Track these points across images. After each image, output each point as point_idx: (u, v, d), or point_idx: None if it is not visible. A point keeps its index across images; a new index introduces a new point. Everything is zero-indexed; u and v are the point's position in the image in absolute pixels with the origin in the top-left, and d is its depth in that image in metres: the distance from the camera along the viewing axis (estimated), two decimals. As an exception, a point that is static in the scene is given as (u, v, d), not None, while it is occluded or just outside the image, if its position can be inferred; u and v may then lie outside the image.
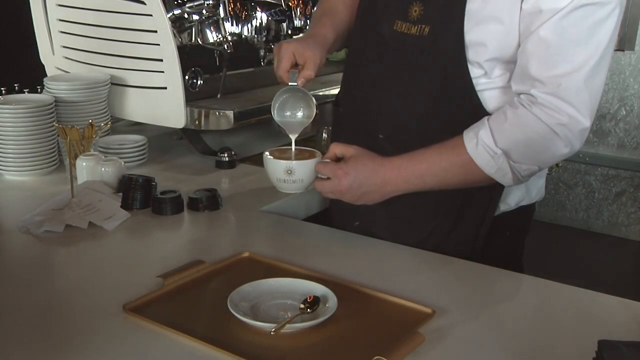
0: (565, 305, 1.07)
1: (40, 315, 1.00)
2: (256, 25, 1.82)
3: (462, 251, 1.24)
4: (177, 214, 1.40)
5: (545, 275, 1.14)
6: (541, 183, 1.36)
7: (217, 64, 1.84)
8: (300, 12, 1.91)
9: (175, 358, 0.89)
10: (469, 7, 1.13)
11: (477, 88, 1.18)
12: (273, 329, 0.90)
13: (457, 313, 0.99)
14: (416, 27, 1.20)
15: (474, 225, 1.27)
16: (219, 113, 1.71)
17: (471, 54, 1.16)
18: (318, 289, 1.01)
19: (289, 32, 1.89)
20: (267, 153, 1.28)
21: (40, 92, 1.76)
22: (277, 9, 1.84)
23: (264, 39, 1.86)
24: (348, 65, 1.41)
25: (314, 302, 0.96)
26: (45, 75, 1.91)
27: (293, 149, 1.30)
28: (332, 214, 1.45)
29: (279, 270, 1.11)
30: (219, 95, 1.85)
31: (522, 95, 1.14)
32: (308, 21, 1.93)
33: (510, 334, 0.95)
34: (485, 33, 1.14)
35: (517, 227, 1.37)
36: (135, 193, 1.41)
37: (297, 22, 1.91)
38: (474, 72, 1.17)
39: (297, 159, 1.27)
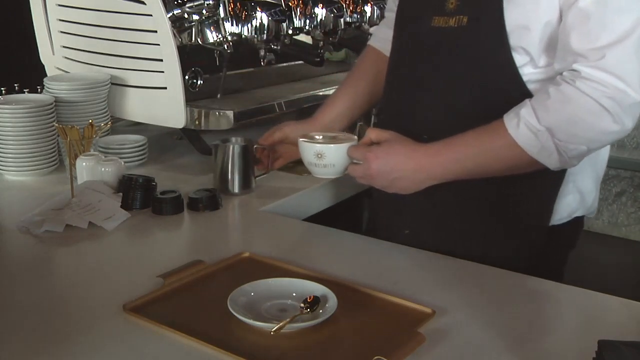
0: (566, 306, 1.07)
1: (40, 315, 1.00)
2: (256, 25, 1.81)
3: (514, 261, 1.17)
4: (177, 214, 1.40)
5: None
6: (595, 193, 1.29)
7: (217, 64, 1.84)
8: (300, 12, 1.91)
9: (175, 358, 0.89)
10: None
11: (525, 78, 1.14)
12: (273, 329, 0.90)
13: (457, 313, 0.99)
14: (454, 19, 1.17)
15: (526, 233, 1.21)
16: (219, 113, 1.71)
17: (513, 39, 1.12)
18: (318, 289, 1.00)
19: (289, 32, 1.88)
20: (301, 137, 1.27)
21: (40, 92, 1.76)
22: (277, 9, 1.84)
23: (264, 39, 1.86)
24: (387, 72, 1.37)
25: (314, 302, 0.96)
26: (45, 75, 1.91)
27: (331, 134, 1.29)
28: (378, 223, 1.39)
29: (279, 270, 1.11)
30: (219, 95, 1.85)
31: (564, 73, 1.08)
32: (308, 21, 1.93)
33: (511, 334, 0.95)
34: (526, 14, 1.10)
35: (566, 241, 1.31)
36: (135, 193, 1.41)
37: (297, 22, 1.91)
38: (519, 59, 1.13)
39: (332, 141, 1.25)
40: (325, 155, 1.21)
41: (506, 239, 1.23)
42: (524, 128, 1.08)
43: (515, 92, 1.13)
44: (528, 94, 1.13)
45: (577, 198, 1.26)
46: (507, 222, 1.22)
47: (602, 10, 1.04)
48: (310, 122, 1.43)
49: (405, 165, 1.14)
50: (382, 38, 1.45)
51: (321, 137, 1.29)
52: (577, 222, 1.29)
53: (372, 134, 1.20)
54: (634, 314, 1.02)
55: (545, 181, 1.18)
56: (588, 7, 1.04)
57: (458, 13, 1.17)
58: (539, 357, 0.90)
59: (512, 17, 1.11)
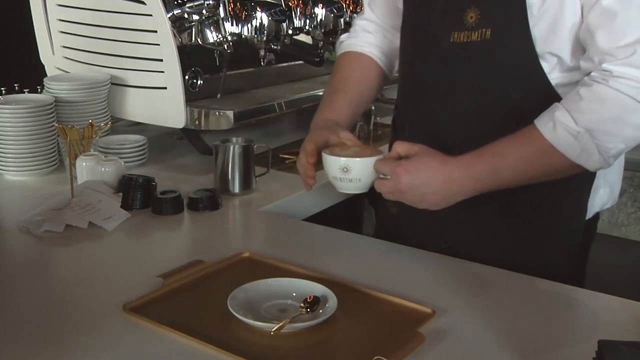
0: (566, 305, 1.07)
1: (40, 315, 1.00)
2: (256, 25, 1.81)
3: (555, 266, 1.17)
4: (177, 214, 1.40)
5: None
6: (620, 183, 1.29)
7: (217, 64, 1.84)
8: (300, 12, 1.91)
9: (175, 358, 0.89)
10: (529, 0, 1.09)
11: (553, 82, 1.13)
12: (273, 329, 0.90)
13: (457, 313, 0.99)
14: (477, 33, 1.14)
15: (566, 235, 1.20)
16: (219, 113, 1.71)
17: (540, 46, 1.11)
18: (318, 289, 1.00)
19: (289, 32, 1.89)
20: (325, 150, 1.19)
21: (40, 92, 1.76)
22: (277, 9, 1.84)
23: (264, 39, 1.86)
24: (404, 91, 1.33)
25: (314, 302, 0.96)
26: (45, 75, 1.91)
27: (354, 146, 1.21)
28: (411, 236, 1.29)
29: (279, 270, 1.11)
30: (219, 95, 1.85)
31: (593, 73, 1.06)
32: (308, 21, 1.93)
33: (510, 334, 0.95)
34: (551, 19, 1.09)
35: (590, 234, 1.30)
36: (135, 193, 1.41)
37: (297, 22, 1.91)
38: (546, 65, 1.12)
39: (358, 155, 1.17)
40: (351, 169, 1.14)
41: (546, 244, 1.21)
42: (562, 131, 1.04)
43: (545, 96, 1.12)
44: (557, 98, 1.12)
45: (607, 191, 1.25)
46: (545, 226, 1.20)
47: (627, 7, 1.03)
48: (318, 129, 1.28)
49: (436, 179, 1.08)
50: (367, 42, 1.40)
51: (345, 150, 1.20)
52: (597, 214, 1.29)
53: (400, 147, 1.13)
54: (634, 314, 1.02)
55: (580, 180, 1.16)
56: (612, 6, 1.03)
57: (480, 27, 1.14)
58: (539, 357, 0.90)
59: (538, 24, 1.10)
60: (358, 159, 1.15)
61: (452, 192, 1.09)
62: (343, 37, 1.45)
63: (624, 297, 1.05)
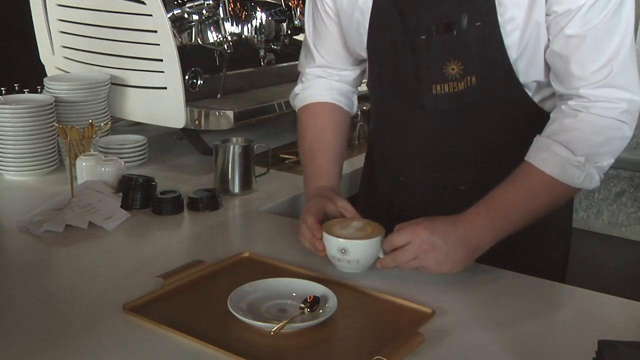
0: (565, 305, 1.07)
1: (40, 315, 1.00)
2: (256, 25, 1.82)
3: (553, 263, 1.22)
4: (177, 214, 1.40)
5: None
6: None
7: (217, 64, 1.84)
8: (300, 12, 1.91)
9: (175, 358, 0.89)
10: (508, 42, 1.11)
11: (537, 100, 1.18)
12: (273, 329, 0.90)
13: (457, 313, 0.99)
14: (462, 82, 1.16)
15: (559, 233, 1.25)
16: (219, 113, 1.71)
17: (523, 77, 1.15)
18: (318, 289, 1.00)
19: (289, 32, 1.89)
20: (326, 224, 1.14)
21: (40, 92, 1.77)
22: (277, 9, 1.84)
23: (264, 39, 1.86)
24: (380, 126, 1.33)
25: (314, 302, 0.96)
26: (45, 75, 1.92)
27: (355, 223, 1.14)
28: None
29: (279, 270, 1.11)
30: (219, 95, 1.85)
31: (570, 102, 1.11)
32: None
33: (510, 334, 0.95)
34: (533, 54, 1.13)
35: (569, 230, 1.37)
36: (135, 193, 1.41)
37: (297, 22, 1.91)
38: (528, 90, 1.17)
39: (358, 234, 1.11)
40: (350, 251, 1.09)
41: (544, 243, 1.26)
42: (564, 164, 1.08)
43: (531, 114, 1.18)
44: (542, 111, 1.18)
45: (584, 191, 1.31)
46: (544, 226, 1.19)
47: (592, 31, 1.07)
48: (314, 200, 1.23)
49: (455, 235, 1.05)
50: (324, 89, 1.37)
51: (347, 227, 1.13)
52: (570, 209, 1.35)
53: (399, 227, 1.08)
54: (634, 314, 1.02)
55: None
56: (577, 32, 1.07)
57: (466, 75, 1.16)
58: (539, 357, 0.90)
59: (519, 61, 1.13)
60: (357, 241, 1.09)
61: (472, 246, 1.07)
62: (297, 89, 1.40)
63: (624, 297, 1.06)
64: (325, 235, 1.11)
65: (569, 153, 1.08)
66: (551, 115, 1.14)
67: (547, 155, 1.09)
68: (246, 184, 1.53)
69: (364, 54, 1.28)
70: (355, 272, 1.12)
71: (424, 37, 1.17)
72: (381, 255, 1.09)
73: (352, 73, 1.38)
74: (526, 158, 1.11)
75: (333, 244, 1.10)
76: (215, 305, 0.98)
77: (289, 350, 0.90)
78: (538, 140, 1.11)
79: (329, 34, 1.33)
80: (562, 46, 1.09)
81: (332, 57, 1.36)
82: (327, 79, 1.38)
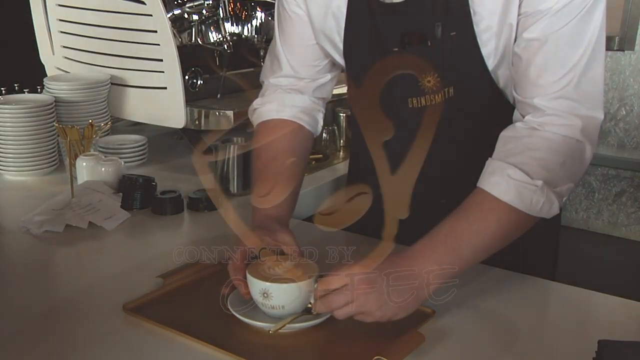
0: (565, 305, 1.07)
1: (40, 315, 1.00)
2: (256, 25, 1.81)
3: (547, 260, 1.22)
4: (177, 214, 1.40)
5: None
6: None
7: (217, 64, 1.84)
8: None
9: (175, 358, 0.89)
10: (485, 52, 1.08)
11: (512, 101, 1.13)
12: (272, 329, 0.90)
13: (457, 313, 0.99)
14: (439, 94, 1.12)
15: (548, 235, 1.24)
16: (219, 113, 1.71)
17: (503, 83, 1.12)
18: (318, 288, 1.00)
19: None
20: (254, 263, 0.99)
21: (40, 92, 1.77)
22: (277, 9, 1.84)
23: (264, 39, 1.86)
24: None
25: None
26: (45, 75, 1.92)
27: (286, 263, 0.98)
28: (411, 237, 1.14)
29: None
30: (219, 95, 1.85)
31: (527, 118, 1.03)
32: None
33: (510, 334, 0.95)
34: (507, 62, 1.09)
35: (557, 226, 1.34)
36: (135, 193, 1.41)
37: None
38: (507, 93, 1.14)
39: (286, 276, 0.95)
40: (272, 295, 0.93)
41: (537, 241, 1.18)
42: (520, 189, 0.97)
43: (509, 111, 1.10)
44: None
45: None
46: (539, 225, 1.12)
47: (555, 39, 1.01)
48: (271, 229, 1.09)
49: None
50: (286, 106, 1.27)
51: (278, 266, 0.97)
52: None
53: (335, 269, 0.95)
54: (634, 314, 1.02)
55: None
56: (540, 37, 1.02)
57: (442, 87, 1.11)
58: (538, 357, 0.90)
59: (501, 70, 1.10)
60: (278, 284, 0.93)
61: (416, 287, 0.93)
62: (256, 102, 1.29)
63: (624, 297, 1.06)
64: (248, 276, 0.96)
65: (525, 176, 0.96)
66: (502, 133, 1.04)
67: (500, 180, 0.97)
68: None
69: (341, 61, 1.23)
70: (281, 319, 0.93)
71: (396, 49, 1.12)
72: (312, 301, 0.93)
73: (321, 82, 1.29)
74: (478, 184, 1.00)
75: (255, 286, 0.94)
76: (214, 305, 0.98)
77: (289, 350, 0.90)
78: (490, 163, 1.00)
79: (298, 38, 1.25)
80: (523, 48, 1.04)
81: (300, 65, 1.27)
82: (291, 94, 1.27)
